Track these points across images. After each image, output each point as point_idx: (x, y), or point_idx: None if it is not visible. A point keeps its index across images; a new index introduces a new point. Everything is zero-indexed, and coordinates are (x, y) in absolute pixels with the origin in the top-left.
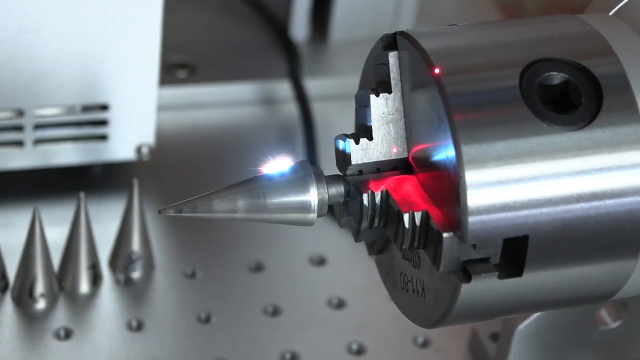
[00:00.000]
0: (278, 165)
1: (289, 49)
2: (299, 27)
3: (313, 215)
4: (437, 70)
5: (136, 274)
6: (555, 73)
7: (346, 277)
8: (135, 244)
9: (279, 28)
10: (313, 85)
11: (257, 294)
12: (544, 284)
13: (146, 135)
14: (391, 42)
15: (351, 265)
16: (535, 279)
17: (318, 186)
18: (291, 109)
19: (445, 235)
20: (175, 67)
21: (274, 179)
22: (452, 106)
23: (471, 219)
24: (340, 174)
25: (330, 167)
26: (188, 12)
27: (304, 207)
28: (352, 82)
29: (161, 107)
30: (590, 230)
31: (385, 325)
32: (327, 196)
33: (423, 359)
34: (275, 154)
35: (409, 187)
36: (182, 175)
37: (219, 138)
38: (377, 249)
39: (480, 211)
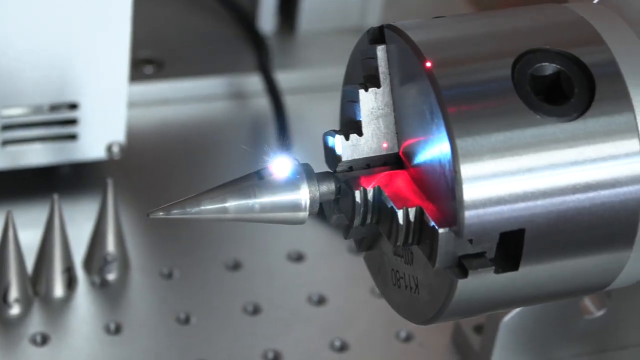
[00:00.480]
0: (267, 164)
1: (257, 42)
2: (267, 19)
3: (304, 214)
4: (428, 63)
5: (112, 276)
6: (546, 64)
7: (325, 272)
8: (111, 245)
9: (246, 20)
10: (283, 78)
11: (237, 292)
12: (539, 277)
13: (117, 134)
14: (377, 35)
15: (329, 260)
16: (531, 273)
17: (309, 184)
18: (262, 103)
19: (441, 230)
20: (142, 63)
21: (264, 178)
22: (445, 99)
23: (467, 214)
24: (330, 170)
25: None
26: (153, 6)
27: (295, 206)
28: (322, 73)
29: (129, 104)
30: (585, 222)
31: (367, 320)
32: (318, 194)
33: (406, 353)
34: (249, 148)
35: (400, 183)
36: (154, 173)
37: (190, 134)
38: (366, 245)
39: (476, 205)
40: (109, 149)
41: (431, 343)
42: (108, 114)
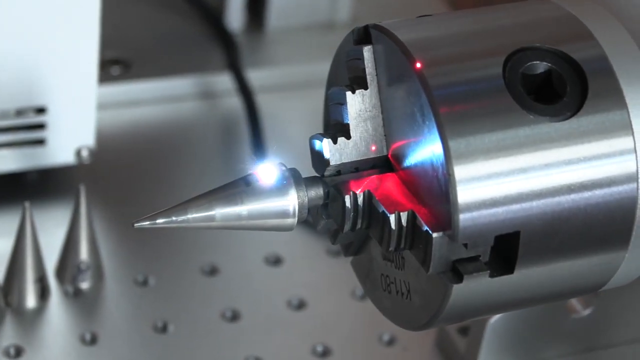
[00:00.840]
0: (254, 169)
1: (225, 40)
2: (235, 16)
3: (293, 220)
4: (418, 63)
5: (85, 285)
6: (537, 62)
7: (304, 276)
8: (84, 253)
9: (213, 18)
10: (254, 76)
11: (214, 298)
12: (534, 280)
13: (86, 138)
14: (363, 35)
15: (308, 263)
16: (526, 275)
17: (297, 189)
18: (234, 102)
19: (434, 235)
20: (109, 64)
21: (251, 184)
22: (437, 99)
23: (462, 217)
24: (317, 175)
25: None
26: (118, 4)
27: (284, 212)
28: (294, 71)
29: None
30: (580, 222)
31: (348, 324)
32: (306, 200)
33: (390, 357)
34: (221, 149)
35: (390, 186)
36: (125, 177)
37: (160, 135)
38: (354, 250)
39: (470, 208)
40: (78, 153)
41: (415, 346)
42: (77, 117)
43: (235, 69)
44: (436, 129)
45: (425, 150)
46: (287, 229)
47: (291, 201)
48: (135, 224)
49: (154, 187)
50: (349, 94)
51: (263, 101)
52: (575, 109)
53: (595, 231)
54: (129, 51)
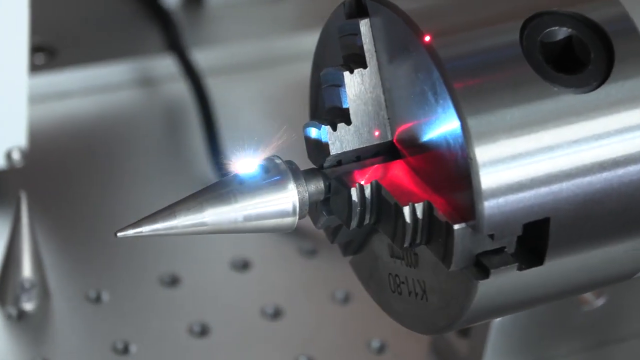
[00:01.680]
0: (247, 164)
1: (162, 18)
2: None
3: (293, 219)
4: (425, 34)
5: (30, 305)
6: (556, 28)
7: (277, 280)
8: (27, 270)
9: None
10: (199, 58)
11: (179, 312)
12: (565, 270)
13: (16, 138)
14: (355, 8)
15: (280, 266)
16: (556, 266)
17: (297, 184)
18: (178, 88)
19: (456, 227)
20: (31, 51)
21: (246, 181)
22: (449, 73)
23: (487, 204)
24: (315, 167)
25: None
26: None
27: (283, 211)
28: (242, 50)
29: None
30: (614, 203)
31: (332, 331)
32: (307, 195)
33: None
34: (169, 142)
35: (399, 175)
36: (62, 180)
37: (98, 131)
38: (354, 248)
39: (495, 194)
40: (9, 155)
41: (409, 352)
42: (5, 116)
43: (178, 50)
44: (452, 107)
45: (439, 131)
46: (287, 229)
47: (291, 197)
48: (118, 234)
49: (97, 189)
50: (346, 74)
51: (211, 85)
52: (601, 78)
53: (631, 212)
54: (53, 36)
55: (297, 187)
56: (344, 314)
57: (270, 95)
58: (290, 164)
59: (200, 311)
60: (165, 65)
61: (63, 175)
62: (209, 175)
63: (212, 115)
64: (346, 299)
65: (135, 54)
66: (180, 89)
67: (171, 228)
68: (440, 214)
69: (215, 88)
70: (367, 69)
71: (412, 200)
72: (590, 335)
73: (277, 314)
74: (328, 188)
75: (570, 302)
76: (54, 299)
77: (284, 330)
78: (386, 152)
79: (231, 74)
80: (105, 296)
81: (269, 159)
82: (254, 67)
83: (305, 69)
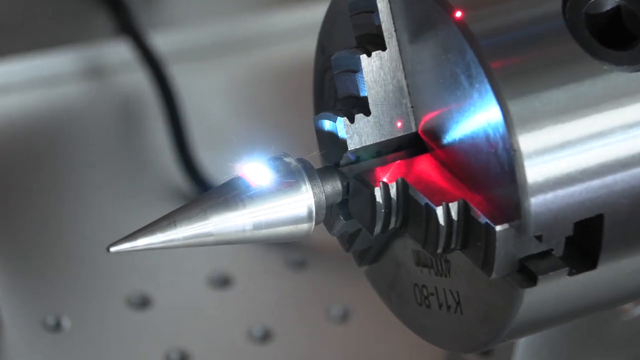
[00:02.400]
0: (253, 164)
1: None
2: None
3: (309, 225)
4: (455, 8)
5: None
6: None
7: (264, 297)
8: None
9: None
10: (156, 43)
11: (152, 338)
12: (620, 274)
13: None
14: None
15: (266, 281)
16: (610, 269)
17: (312, 185)
18: (133, 79)
19: (498, 228)
20: None
21: (254, 184)
22: (486, 52)
23: (534, 201)
24: (329, 165)
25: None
26: None
27: (298, 216)
28: (206, 32)
29: None
30: None
31: (330, 354)
32: (324, 197)
33: None
34: (127, 140)
35: (427, 171)
36: (5, 188)
37: (42, 130)
38: (372, 257)
39: (543, 189)
40: None
41: None
42: None
43: (132, 34)
44: (491, 91)
45: (475, 120)
46: (302, 236)
47: (306, 201)
48: (111, 249)
49: (45, 199)
50: (363, 58)
51: (173, 74)
52: None
53: None
54: None
55: (312, 189)
56: (342, 334)
57: (241, 83)
58: (303, 163)
59: (177, 336)
60: (118, 52)
61: (3, 184)
62: (177, 178)
63: (177, 109)
64: (344, 316)
65: (82, 40)
66: (137, 79)
67: (171, 240)
68: (478, 214)
69: (179, 77)
70: (387, 50)
71: (445, 199)
72: (629, 348)
73: (266, 336)
74: (346, 188)
75: (607, 311)
76: (7, 328)
77: (274, 354)
78: (410, 145)
79: (196, 60)
80: (65, 323)
81: (278, 158)
82: (222, 52)
83: (281, 52)
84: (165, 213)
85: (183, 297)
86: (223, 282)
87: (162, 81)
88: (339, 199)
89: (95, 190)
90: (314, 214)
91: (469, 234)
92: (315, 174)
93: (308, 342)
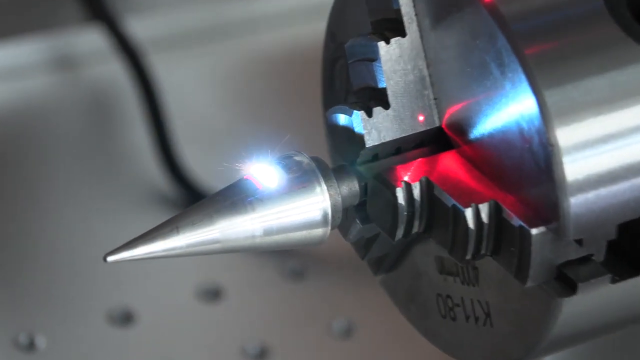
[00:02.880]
0: (262, 164)
1: None
2: None
3: (324, 230)
4: None
5: None
6: None
7: (259, 311)
8: None
9: None
10: (132, 30)
11: (135, 357)
12: None
13: None
14: None
15: (260, 292)
16: None
17: (328, 186)
18: (107, 70)
19: (534, 231)
20: None
21: (264, 185)
22: (519, 37)
23: (574, 202)
24: (344, 163)
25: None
26: None
27: (313, 220)
28: (188, 18)
29: None
30: None
31: None
32: (340, 199)
33: None
34: (100, 138)
35: (453, 169)
36: None
37: (7, 127)
38: (389, 265)
39: (583, 188)
40: None
41: None
42: None
43: (106, 20)
44: (525, 80)
45: (506, 112)
46: (318, 242)
47: (320, 203)
48: (108, 258)
49: (15, 204)
50: (381, 45)
51: (152, 64)
52: None
53: None
54: None
55: (327, 190)
56: (345, 350)
57: (229, 73)
58: (317, 161)
59: (163, 355)
60: (90, 40)
61: None
62: (159, 181)
63: (157, 103)
64: (348, 331)
65: (49, 27)
66: (112, 70)
67: (173, 248)
68: (512, 216)
69: (158, 68)
70: (407, 37)
71: (474, 200)
72: None
73: (261, 354)
74: (364, 189)
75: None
76: None
77: None
78: (434, 141)
79: (177, 48)
80: (40, 341)
81: (289, 156)
82: (207, 39)
83: (273, 39)
84: (147, 220)
85: (169, 312)
86: (213, 294)
87: (139, 73)
88: (356, 201)
89: (68, 196)
90: (329, 218)
91: (501, 238)
92: (331, 174)
93: (311, 356)
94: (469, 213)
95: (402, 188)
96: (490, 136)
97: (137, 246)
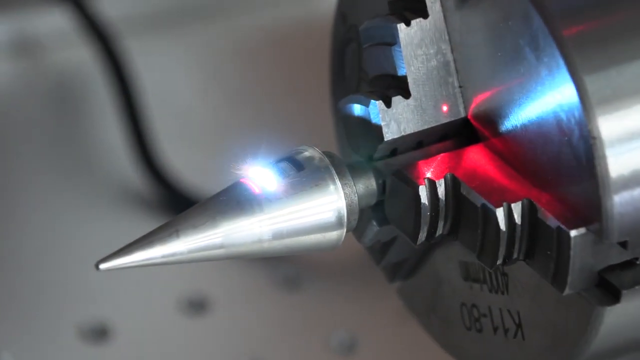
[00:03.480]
0: (270, 161)
1: None
2: None
3: (339, 233)
4: None
5: None
6: None
7: (249, 324)
8: None
9: None
10: (103, 10)
11: None
12: None
13: None
14: None
15: (251, 303)
16: None
17: (342, 183)
18: (75, 56)
19: (573, 233)
20: None
21: (272, 183)
22: (556, 17)
23: (618, 200)
24: (360, 159)
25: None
26: None
27: (326, 222)
28: None
29: None
30: None
31: None
32: (356, 198)
33: None
34: (66, 133)
35: (480, 164)
36: None
37: None
38: (406, 272)
39: (629, 185)
40: None
41: None
42: None
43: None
44: (564, 66)
45: (543, 102)
46: (331, 247)
47: (335, 203)
48: (101, 266)
49: None
50: (401, 27)
51: (126, 49)
52: None
53: None
54: None
55: (343, 188)
56: None
57: (212, 59)
58: (330, 157)
59: None
60: (55, 22)
61: None
62: (134, 180)
63: (131, 93)
64: (350, 346)
65: (9, 8)
66: (80, 56)
67: (173, 254)
68: (548, 216)
69: (132, 52)
70: (429, 18)
71: (505, 199)
72: None
73: None
74: (382, 188)
75: None
76: None
77: None
78: (459, 133)
79: (154, 31)
80: (6, 357)
81: (300, 151)
82: (187, 19)
83: (262, 19)
84: (122, 225)
85: (149, 326)
86: (198, 305)
87: (111, 58)
88: (374, 201)
89: (32, 198)
90: (345, 220)
91: (536, 240)
92: (346, 171)
93: None
94: (500, 213)
95: (425, 186)
96: (524, 128)
97: (133, 252)
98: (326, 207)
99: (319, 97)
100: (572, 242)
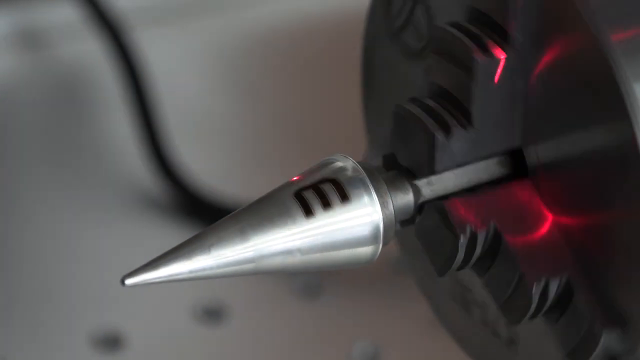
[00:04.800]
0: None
1: None
2: None
3: (375, 248)
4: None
5: None
6: None
7: (266, 334)
8: None
9: None
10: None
11: None
12: None
13: None
14: None
15: (269, 312)
16: None
17: (379, 196)
18: (82, 50)
19: (605, 334)
20: None
21: (304, 192)
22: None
23: None
24: (399, 171)
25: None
26: None
27: (361, 237)
28: None
29: None
30: None
31: None
32: (393, 212)
33: None
34: (73, 131)
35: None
36: None
37: None
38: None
39: None
40: None
41: None
42: None
43: None
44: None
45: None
46: (366, 262)
47: (370, 216)
48: (127, 281)
49: None
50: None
51: (136, 42)
52: None
53: None
54: None
55: (379, 201)
56: None
57: (226, 51)
58: (365, 167)
59: None
60: (62, 13)
61: None
62: (145, 179)
63: (142, 87)
64: (373, 357)
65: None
66: (88, 49)
67: (203, 269)
68: (585, 304)
69: (143, 45)
70: (510, 52)
71: (545, 271)
72: None
73: None
74: (418, 208)
75: None
76: None
77: None
78: (510, 167)
79: (165, 23)
80: None
81: (332, 160)
82: (200, 11)
83: (276, 10)
84: (132, 227)
85: (164, 335)
86: (215, 314)
87: (121, 51)
88: (407, 217)
89: (37, 198)
90: (381, 234)
91: (563, 314)
92: (382, 183)
93: None
94: (536, 289)
95: (466, 235)
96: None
97: (159, 267)
98: (360, 220)
99: (338, 89)
100: (602, 341)
